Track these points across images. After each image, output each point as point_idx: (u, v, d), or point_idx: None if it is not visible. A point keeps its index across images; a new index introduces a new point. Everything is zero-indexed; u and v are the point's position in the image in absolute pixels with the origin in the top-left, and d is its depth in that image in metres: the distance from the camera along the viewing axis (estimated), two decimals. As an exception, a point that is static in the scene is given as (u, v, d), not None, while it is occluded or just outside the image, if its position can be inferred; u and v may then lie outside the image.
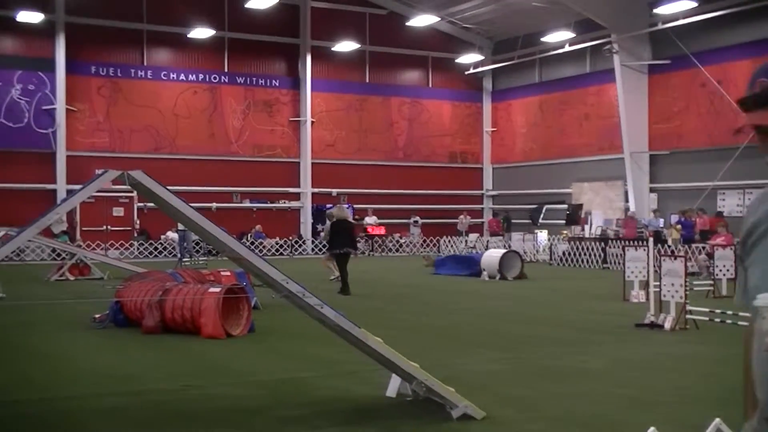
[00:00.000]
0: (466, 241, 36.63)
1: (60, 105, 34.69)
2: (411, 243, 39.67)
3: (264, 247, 35.45)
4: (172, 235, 33.17)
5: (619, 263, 24.35)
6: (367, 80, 41.29)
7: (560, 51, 36.78)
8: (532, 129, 41.08)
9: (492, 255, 24.79)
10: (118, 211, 35.24)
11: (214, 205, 35.94)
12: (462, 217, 40.15)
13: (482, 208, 43.77)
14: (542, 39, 37.29)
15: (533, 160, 40.59)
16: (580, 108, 38.09)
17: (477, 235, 38.75)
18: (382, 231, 38.98)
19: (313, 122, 39.43)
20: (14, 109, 34.26)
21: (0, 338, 12.64)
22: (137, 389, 8.86)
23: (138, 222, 35.23)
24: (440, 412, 7.46)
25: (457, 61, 42.03)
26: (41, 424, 7.45)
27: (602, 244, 29.46)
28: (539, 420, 7.59)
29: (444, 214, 41.46)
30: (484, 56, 42.07)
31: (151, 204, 28.37)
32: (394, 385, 8.14)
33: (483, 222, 42.76)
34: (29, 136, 34.49)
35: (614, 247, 28.31)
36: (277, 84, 39.31)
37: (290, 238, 37.99)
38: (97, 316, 13.84)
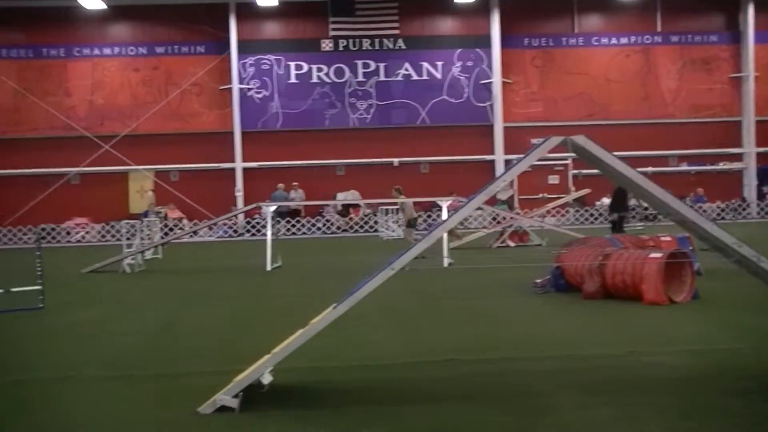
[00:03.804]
0: None
1: (496, 79, 36.13)
2: None
3: (704, 211, 33.91)
4: (607, 201, 32.98)
5: None
6: (818, 26, 37.55)
7: None
8: None
9: None
10: (554, 179, 35.87)
11: (650, 169, 35.04)
12: None
13: None
14: None
15: None
16: None
17: None
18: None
19: (756, 77, 36.77)
20: (455, 85, 36.35)
21: (446, 301, 13.47)
22: (576, 353, 8.90)
23: (574, 189, 35.55)
24: None
25: None
26: (498, 383, 7.78)
27: None
28: None
29: None
30: None
31: (586, 171, 28.43)
32: None
33: None
34: (469, 111, 36.39)
35: None
36: (716, 40, 37.22)
37: (732, 201, 35.97)
38: (538, 281, 14.17)
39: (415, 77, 36.32)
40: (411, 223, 23.34)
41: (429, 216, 33.82)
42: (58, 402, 7.48)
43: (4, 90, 35.59)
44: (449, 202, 21.33)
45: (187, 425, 6.56)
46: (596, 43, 37.00)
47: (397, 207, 32.03)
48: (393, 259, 6.90)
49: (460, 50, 36.40)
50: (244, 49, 35.75)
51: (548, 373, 8.06)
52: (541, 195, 35.20)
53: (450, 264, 18.54)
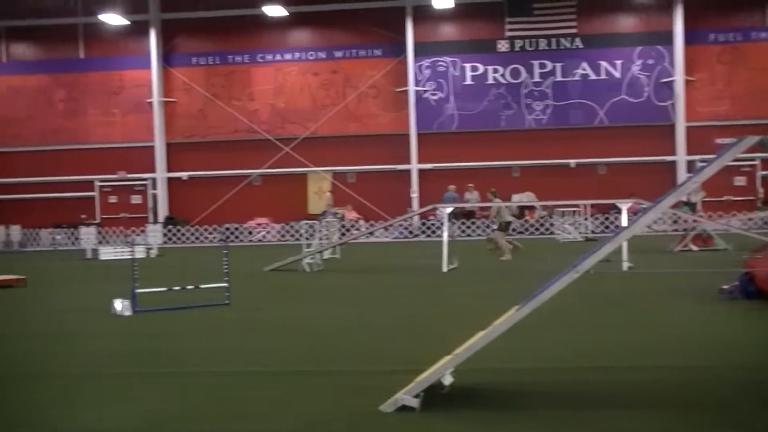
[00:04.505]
0: None
1: (678, 76, 34.86)
2: None
3: None
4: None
5: None
6: None
7: None
8: None
9: None
10: (740, 181, 34.25)
11: None
12: None
13: None
14: None
15: None
16: None
17: None
18: None
19: None
20: (635, 84, 35.36)
21: (625, 305, 13.09)
22: (770, 363, 8.49)
23: (762, 191, 33.83)
24: None
25: None
26: (683, 391, 7.50)
27: None
28: None
29: None
30: None
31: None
32: None
33: None
34: (649, 110, 35.31)
35: None
36: None
37: None
38: (725, 287, 13.54)
39: (593, 77, 35.58)
40: (502, 227, 23.23)
41: (606, 218, 33.05)
42: (249, 395, 7.77)
43: (194, 96, 37.46)
44: (629, 205, 20.74)
45: (369, 423, 6.67)
46: (790, 36, 35.08)
47: (574, 209, 31.53)
48: (577, 262, 6.77)
49: (640, 48, 35.36)
50: (420, 51, 36.09)
51: (738, 383, 7.70)
52: (725, 198, 33.68)
53: (629, 268, 18.04)
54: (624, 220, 20.39)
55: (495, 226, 24.11)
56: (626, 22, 35.80)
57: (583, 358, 8.94)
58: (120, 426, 6.87)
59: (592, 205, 32.21)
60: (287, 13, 35.75)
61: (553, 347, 9.59)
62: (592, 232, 31.73)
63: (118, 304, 13.29)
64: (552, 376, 8.15)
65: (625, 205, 20.47)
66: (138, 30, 37.38)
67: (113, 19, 36.21)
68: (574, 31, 35.48)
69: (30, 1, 37.16)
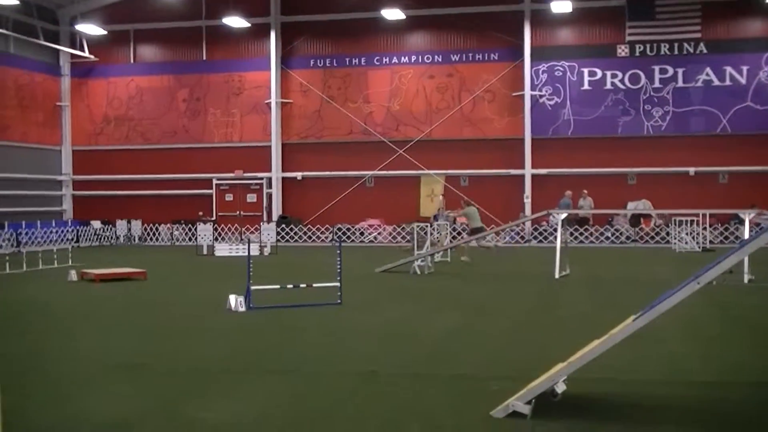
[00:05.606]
0: None
1: (807, 83, 33.46)
2: None
3: None
4: None
5: None
6: None
7: None
8: None
9: None
10: None
11: None
12: None
13: None
14: None
15: None
16: None
17: None
18: None
19: None
20: (762, 91, 34.02)
21: (748, 318, 12.62)
22: None
23: None
24: None
25: None
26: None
27: None
28: None
29: None
30: None
31: None
32: None
33: None
34: (776, 118, 34.00)
35: None
36: None
37: None
38: None
39: (716, 83, 34.43)
40: (473, 232, 23.79)
41: (726, 229, 31.99)
42: (362, 397, 7.82)
43: (311, 97, 38.00)
44: (751, 216, 19.99)
45: (480, 427, 6.63)
46: None
47: (692, 219, 30.59)
48: (700, 273, 6.56)
49: (768, 53, 34.10)
50: (538, 55, 35.66)
51: None
52: None
53: (750, 280, 17.40)
54: (746, 232, 19.68)
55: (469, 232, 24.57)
56: (754, 26, 34.51)
57: (709, 373, 8.66)
58: (236, 421, 7.02)
59: (711, 215, 31.19)
60: (404, 17, 35.90)
61: (676, 359, 9.32)
62: (711, 242, 30.73)
63: (233, 300, 13.59)
64: (673, 389, 7.92)
65: (748, 216, 19.74)
66: (258, 32, 38.14)
67: (235, 21, 37.05)
68: (698, 35, 34.41)
69: (157, 4, 38.37)
